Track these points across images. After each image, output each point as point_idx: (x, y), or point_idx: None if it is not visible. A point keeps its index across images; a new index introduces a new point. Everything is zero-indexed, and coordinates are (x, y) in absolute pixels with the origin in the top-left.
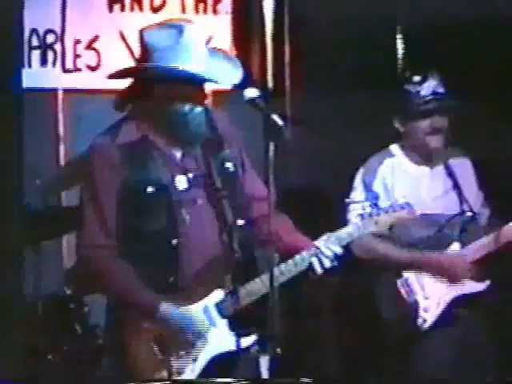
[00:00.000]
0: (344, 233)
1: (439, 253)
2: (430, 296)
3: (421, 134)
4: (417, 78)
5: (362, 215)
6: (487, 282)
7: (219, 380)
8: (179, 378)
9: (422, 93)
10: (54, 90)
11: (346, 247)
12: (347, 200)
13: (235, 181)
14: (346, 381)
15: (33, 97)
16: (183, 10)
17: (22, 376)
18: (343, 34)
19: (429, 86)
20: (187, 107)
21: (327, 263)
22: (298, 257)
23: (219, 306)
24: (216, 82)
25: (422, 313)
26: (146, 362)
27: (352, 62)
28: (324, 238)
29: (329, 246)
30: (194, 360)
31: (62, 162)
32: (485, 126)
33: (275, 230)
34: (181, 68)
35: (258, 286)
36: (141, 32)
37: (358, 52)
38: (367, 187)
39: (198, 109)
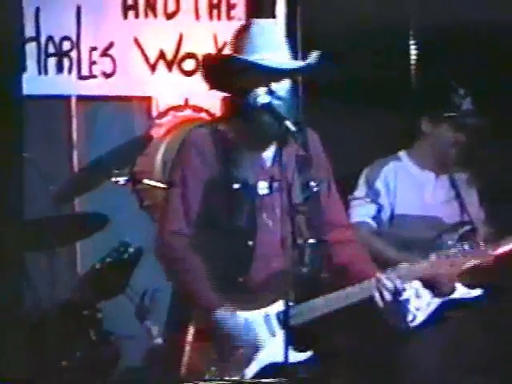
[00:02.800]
0: (419, 267)
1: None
2: (422, 296)
3: (445, 142)
4: (461, 91)
5: (438, 255)
6: (479, 289)
7: (266, 380)
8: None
9: (464, 107)
10: (70, 97)
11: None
12: (349, 197)
13: (316, 201)
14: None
15: (48, 103)
16: (197, 17)
17: (36, 382)
18: (355, 40)
19: (468, 102)
20: (263, 104)
21: (388, 296)
22: (357, 286)
23: (280, 317)
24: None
25: (412, 310)
26: (195, 361)
27: (364, 68)
28: (389, 270)
29: (391, 278)
30: (246, 366)
31: (76, 169)
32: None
33: (346, 259)
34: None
35: (321, 304)
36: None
37: (370, 58)
38: (369, 184)
39: (275, 103)
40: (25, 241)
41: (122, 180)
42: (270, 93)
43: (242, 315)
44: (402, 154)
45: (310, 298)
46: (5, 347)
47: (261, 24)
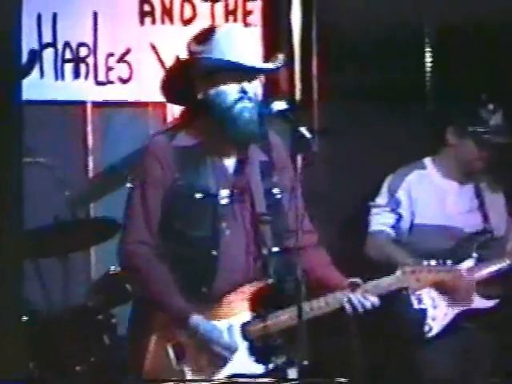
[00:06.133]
0: (384, 282)
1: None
2: (439, 306)
3: (470, 156)
4: (491, 107)
5: (403, 270)
6: (496, 300)
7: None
8: None
9: (491, 122)
10: (86, 103)
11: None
12: (370, 203)
13: (279, 208)
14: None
15: (64, 109)
16: (214, 23)
17: None
18: (371, 44)
19: (497, 119)
20: (236, 104)
21: (360, 308)
22: (330, 296)
23: (244, 329)
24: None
25: (429, 321)
26: (159, 365)
27: (380, 74)
28: (355, 285)
29: (357, 294)
30: (213, 373)
31: (92, 174)
32: None
33: (311, 263)
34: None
35: (285, 317)
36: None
37: (386, 63)
38: (391, 193)
39: (247, 104)
40: (32, 247)
41: None
42: (243, 92)
43: (213, 325)
44: (427, 160)
45: (276, 308)
46: (17, 350)
47: (226, 28)
